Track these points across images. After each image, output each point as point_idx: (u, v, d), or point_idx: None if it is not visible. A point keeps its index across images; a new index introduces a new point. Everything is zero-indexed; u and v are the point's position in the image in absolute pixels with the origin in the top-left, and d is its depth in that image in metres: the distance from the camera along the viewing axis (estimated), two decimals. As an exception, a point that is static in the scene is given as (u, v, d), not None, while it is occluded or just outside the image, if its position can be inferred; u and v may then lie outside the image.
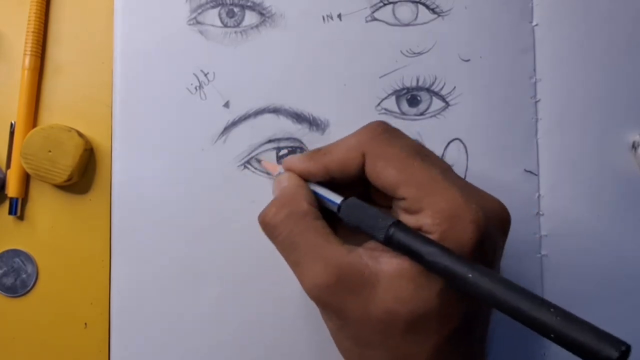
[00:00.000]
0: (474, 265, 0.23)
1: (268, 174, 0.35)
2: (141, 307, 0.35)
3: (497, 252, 0.27)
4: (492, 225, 0.26)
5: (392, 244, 0.25)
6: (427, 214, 0.25)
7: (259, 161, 0.36)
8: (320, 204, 0.29)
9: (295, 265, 0.27)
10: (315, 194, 0.29)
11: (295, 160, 0.30)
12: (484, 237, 0.25)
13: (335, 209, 0.28)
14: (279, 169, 0.32)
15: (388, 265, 0.25)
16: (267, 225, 0.28)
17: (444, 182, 0.26)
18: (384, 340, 0.25)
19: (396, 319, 0.25)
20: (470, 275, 0.23)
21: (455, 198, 0.25)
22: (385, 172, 0.27)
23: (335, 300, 0.25)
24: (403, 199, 0.26)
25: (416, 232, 0.25)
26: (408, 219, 0.26)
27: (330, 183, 0.29)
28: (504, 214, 0.27)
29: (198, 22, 0.36)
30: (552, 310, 0.23)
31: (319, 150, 0.29)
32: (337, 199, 0.28)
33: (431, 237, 0.25)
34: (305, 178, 0.29)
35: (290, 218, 0.27)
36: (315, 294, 0.26)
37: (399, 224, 0.26)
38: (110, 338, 0.35)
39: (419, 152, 0.27)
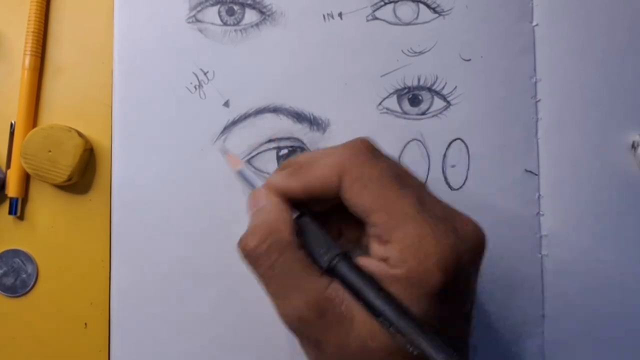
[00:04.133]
0: (413, 325, 0.23)
1: (269, 173, 0.35)
2: (141, 307, 0.35)
3: (471, 279, 0.26)
4: (465, 255, 0.25)
5: (334, 275, 0.25)
6: (396, 247, 0.25)
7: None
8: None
9: (274, 296, 0.26)
10: None
11: (276, 177, 0.29)
12: (455, 273, 0.24)
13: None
14: (242, 165, 0.32)
15: None
16: (249, 255, 0.27)
17: (416, 215, 0.25)
18: None
19: (372, 355, 0.24)
20: (403, 338, 0.23)
21: (425, 236, 0.24)
22: (361, 195, 0.26)
23: (313, 332, 0.25)
24: (374, 225, 0.26)
25: (361, 272, 0.25)
26: (377, 248, 0.25)
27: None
28: (478, 239, 0.26)
29: (197, 20, 0.36)
30: None
31: (299, 165, 0.28)
32: (293, 213, 0.28)
33: (397, 271, 0.24)
34: (285, 197, 0.28)
35: (272, 249, 0.26)
36: (295, 326, 0.26)
37: (345, 257, 0.26)
38: (110, 338, 0.35)
39: (398, 176, 0.26)
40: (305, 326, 0.25)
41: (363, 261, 0.26)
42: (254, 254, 0.26)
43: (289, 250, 0.26)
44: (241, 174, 0.32)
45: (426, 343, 0.23)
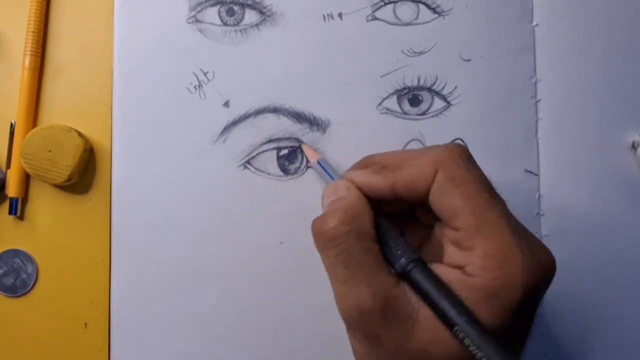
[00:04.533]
0: (488, 339, 0.23)
1: (269, 174, 0.35)
2: (141, 307, 0.35)
3: (538, 303, 0.26)
4: (543, 278, 0.25)
5: (407, 280, 0.25)
6: (478, 254, 0.24)
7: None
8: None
9: (340, 281, 0.26)
10: None
11: (359, 173, 0.28)
12: (530, 294, 0.24)
13: None
14: (318, 157, 0.33)
15: None
16: (324, 234, 0.26)
17: (505, 227, 0.25)
18: None
19: (429, 359, 0.24)
20: (477, 351, 0.23)
21: (512, 249, 0.24)
22: (452, 195, 0.25)
23: (371, 326, 0.25)
24: (456, 229, 0.25)
25: (436, 279, 0.25)
26: (455, 254, 0.25)
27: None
28: (552, 266, 0.26)
29: (197, 21, 0.36)
30: None
31: (384, 164, 0.28)
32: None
33: (476, 280, 0.24)
34: (367, 194, 0.28)
35: (352, 235, 0.26)
36: (352, 315, 0.25)
37: (421, 263, 0.25)
38: (110, 338, 0.35)
39: (490, 187, 0.26)
40: (364, 318, 0.25)
41: (436, 268, 0.25)
42: (331, 234, 0.26)
43: (367, 240, 0.26)
44: (319, 165, 0.33)
45: (498, 357, 0.23)
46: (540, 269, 0.25)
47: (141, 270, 0.35)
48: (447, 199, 0.25)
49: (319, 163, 0.33)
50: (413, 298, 0.25)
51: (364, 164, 0.30)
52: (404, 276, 0.26)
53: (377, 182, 0.28)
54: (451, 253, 0.25)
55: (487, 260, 0.24)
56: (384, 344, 0.25)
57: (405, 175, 0.27)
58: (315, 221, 0.27)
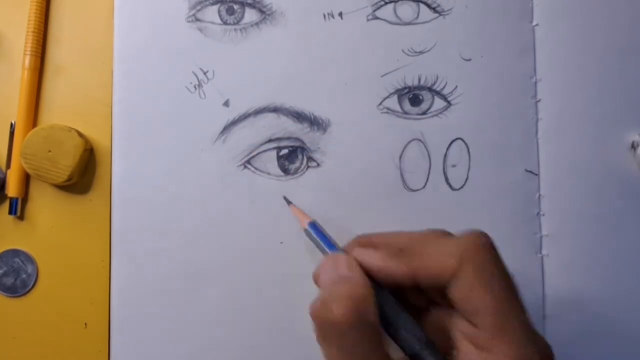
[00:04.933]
0: None
1: (269, 173, 0.35)
2: (141, 306, 0.35)
3: None
4: None
5: None
6: (495, 357, 0.23)
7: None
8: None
9: None
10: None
11: (371, 254, 0.27)
12: None
13: None
14: (307, 221, 0.31)
15: None
16: (328, 323, 0.25)
17: (525, 331, 0.24)
18: None
19: None
20: None
21: (531, 356, 0.24)
22: (478, 294, 0.24)
23: None
24: (475, 326, 0.24)
25: None
26: (470, 351, 0.24)
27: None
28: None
29: (197, 20, 0.36)
30: None
31: (400, 248, 0.27)
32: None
33: None
34: (379, 278, 0.27)
35: (358, 328, 0.24)
36: None
37: (430, 344, 0.25)
38: (110, 338, 0.35)
39: (514, 285, 0.25)
40: None
41: None
42: (335, 325, 0.24)
43: (373, 337, 0.25)
44: (312, 230, 0.31)
45: None
46: None
47: (141, 270, 0.35)
48: (473, 295, 0.24)
49: (312, 227, 0.31)
50: None
51: (365, 243, 0.29)
52: (413, 358, 0.25)
53: (395, 268, 0.26)
54: (465, 349, 0.25)
55: None
56: None
57: (428, 264, 0.25)
58: (316, 307, 0.25)
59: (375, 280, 0.27)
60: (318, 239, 0.31)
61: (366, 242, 0.29)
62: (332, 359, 0.25)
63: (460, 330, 0.25)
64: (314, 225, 0.32)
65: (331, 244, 0.30)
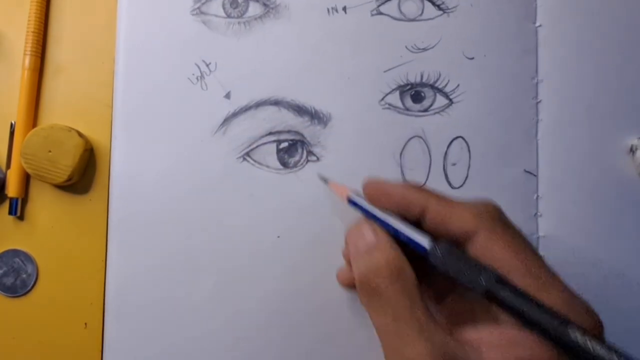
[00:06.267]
0: (610, 346, 0.23)
1: (268, 166, 0.35)
2: (138, 300, 0.34)
3: None
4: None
5: (494, 300, 0.25)
6: (552, 299, 0.24)
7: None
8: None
9: (392, 335, 0.25)
10: (396, 233, 0.27)
11: (393, 184, 0.28)
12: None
13: (421, 251, 0.27)
14: (348, 193, 0.31)
15: None
16: (374, 289, 0.26)
17: (555, 277, 0.25)
18: None
19: None
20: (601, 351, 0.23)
21: (569, 293, 0.24)
22: (501, 254, 0.25)
23: None
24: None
25: (524, 293, 0.24)
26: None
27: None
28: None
29: (201, 12, 0.36)
30: None
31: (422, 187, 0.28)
32: (424, 241, 0.27)
33: None
34: (392, 204, 0.28)
35: (397, 286, 0.26)
36: None
37: (502, 280, 0.25)
38: (104, 331, 0.34)
39: (529, 243, 0.26)
40: None
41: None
42: (380, 290, 0.26)
43: (413, 292, 0.26)
44: (351, 202, 0.31)
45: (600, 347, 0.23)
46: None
47: (138, 262, 0.35)
48: (497, 257, 0.25)
49: (351, 201, 0.31)
50: (472, 355, 0.24)
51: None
52: (490, 295, 0.25)
53: (413, 194, 0.28)
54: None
55: (564, 304, 0.24)
56: None
57: (443, 206, 0.27)
58: (362, 267, 0.27)
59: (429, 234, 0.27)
60: (362, 210, 0.30)
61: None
62: (378, 320, 0.26)
63: None
64: (351, 199, 0.31)
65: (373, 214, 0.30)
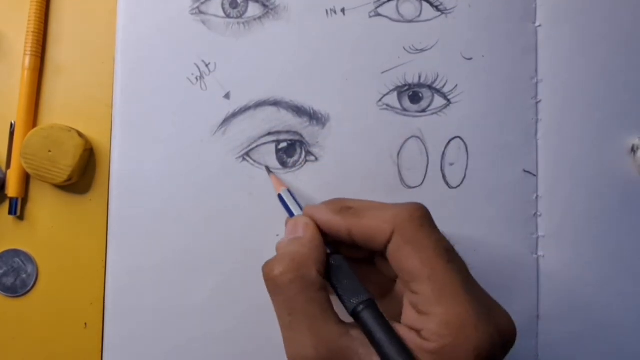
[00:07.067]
0: None
1: (266, 166, 0.35)
2: (137, 299, 0.35)
3: None
4: (499, 348, 0.25)
5: (357, 320, 0.26)
6: (434, 320, 0.24)
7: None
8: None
9: (286, 328, 0.27)
10: None
11: (320, 209, 0.29)
12: None
13: None
14: (282, 189, 0.32)
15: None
16: (271, 281, 0.27)
17: (461, 293, 0.25)
18: None
19: None
20: None
21: (468, 316, 0.24)
22: (409, 260, 0.26)
23: None
24: (414, 292, 0.25)
25: (385, 322, 0.25)
26: (412, 317, 0.25)
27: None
28: (512, 335, 0.26)
29: (201, 12, 0.36)
30: None
31: (348, 206, 0.29)
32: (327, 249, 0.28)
33: (430, 345, 0.24)
34: (326, 232, 0.29)
35: (296, 283, 0.26)
36: None
37: (371, 304, 0.26)
38: (104, 335, 0.35)
39: (448, 251, 0.26)
40: None
41: (394, 327, 0.25)
42: (277, 283, 0.27)
43: (311, 289, 0.26)
44: (281, 198, 0.33)
45: None
46: (498, 335, 0.25)
47: (138, 262, 0.35)
48: (406, 262, 0.26)
49: (280, 196, 0.33)
50: (361, 349, 0.25)
51: (333, 201, 0.30)
52: (356, 318, 0.26)
53: (335, 222, 0.28)
54: (409, 314, 0.26)
55: (441, 327, 0.24)
56: None
57: (362, 224, 0.27)
58: (265, 265, 0.28)
59: (333, 244, 0.29)
60: (288, 205, 0.32)
61: (332, 202, 0.30)
62: (278, 313, 0.27)
63: (405, 296, 0.26)
64: (288, 191, 0.33)
65: (293, 212, 0.32)
